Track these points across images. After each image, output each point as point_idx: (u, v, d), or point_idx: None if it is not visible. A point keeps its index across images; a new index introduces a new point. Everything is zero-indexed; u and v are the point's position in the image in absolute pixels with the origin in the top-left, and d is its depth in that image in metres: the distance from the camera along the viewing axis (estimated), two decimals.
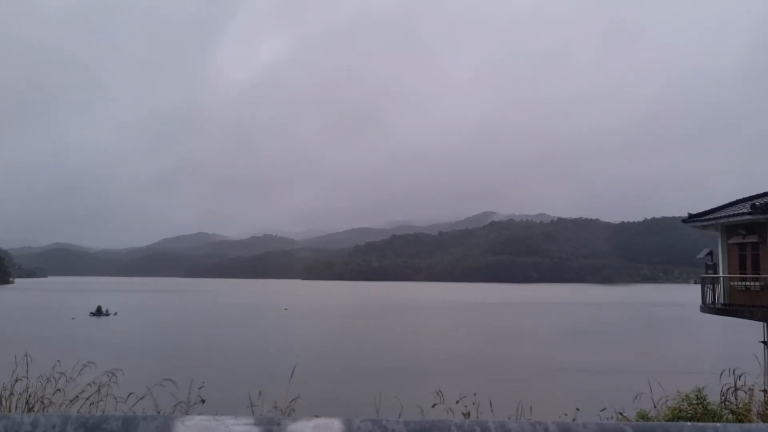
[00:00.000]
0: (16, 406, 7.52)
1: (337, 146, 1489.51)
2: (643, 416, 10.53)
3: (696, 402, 10.79)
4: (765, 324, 21.51)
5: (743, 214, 22.46)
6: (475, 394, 9.16)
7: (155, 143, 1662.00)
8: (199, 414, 3.01)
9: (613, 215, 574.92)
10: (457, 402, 9.04)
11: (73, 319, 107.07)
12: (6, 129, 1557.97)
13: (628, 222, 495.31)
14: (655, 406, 10.32)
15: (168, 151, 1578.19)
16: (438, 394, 8.88)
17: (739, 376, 10.12)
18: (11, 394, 7.70)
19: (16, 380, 7.88)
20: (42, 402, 7.68)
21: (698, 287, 26.23)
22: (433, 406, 8.75)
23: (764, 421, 8.94)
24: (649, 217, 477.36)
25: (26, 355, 8.56)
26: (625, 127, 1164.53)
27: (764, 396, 10.16)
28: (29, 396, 7.72)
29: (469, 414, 8.69)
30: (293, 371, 9.58)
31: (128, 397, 8.26)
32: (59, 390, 7.93)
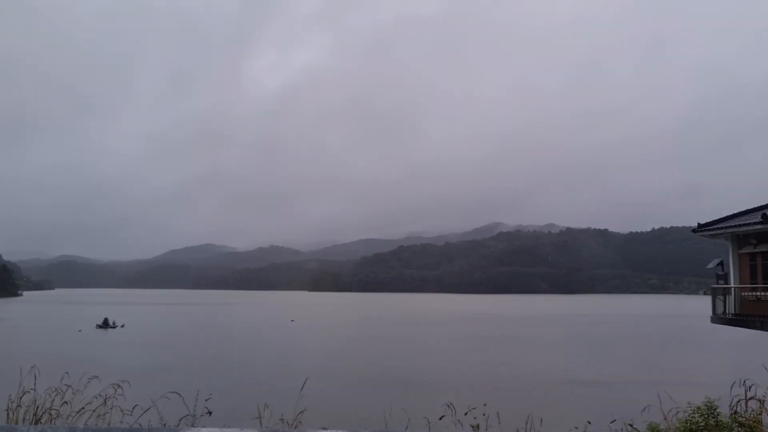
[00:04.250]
0: (24, 418, 7.54)
1: (362, 157, 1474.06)
2: (653, 429, 10.41)
3: (707, 414, 10.66)
4: None
5: (754, 223, 22.30)
6: (485, 405, 9.08)
7: (179, 153, 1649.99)
8: (205, 426, 2.99)
9: (622, 225, 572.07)
10: (466, 414, 8.95)
11: (79, 331, 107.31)
12: (34, 135, 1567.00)
13: (637, 232, 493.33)
14: (665, 419, 10.21)
15: (191, 161, 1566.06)
16: (448, 406, 8.79)
17: (750, 387, 10.01)
18: (18, 406, 7.72)
19: (24, 392, 7.90)
20: (49, 414, 7.70)
21: (709, 298, 26.00)
22: (440, 419, 8.67)
23: None
24: (657, 227, 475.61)
25: (33, 368, 8.59)
26: (650, 140, 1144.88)
27: None
28: (36, 408, 7.74)
29: (478, 426, 8.61)
30: (304, 384, 9.52)
31: (134, 408, 8.25)
32: (66, 402, 7.95)
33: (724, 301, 24.54)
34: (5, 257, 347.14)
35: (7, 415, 7.54)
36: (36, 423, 7.41)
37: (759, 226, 22.12)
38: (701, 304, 35.65)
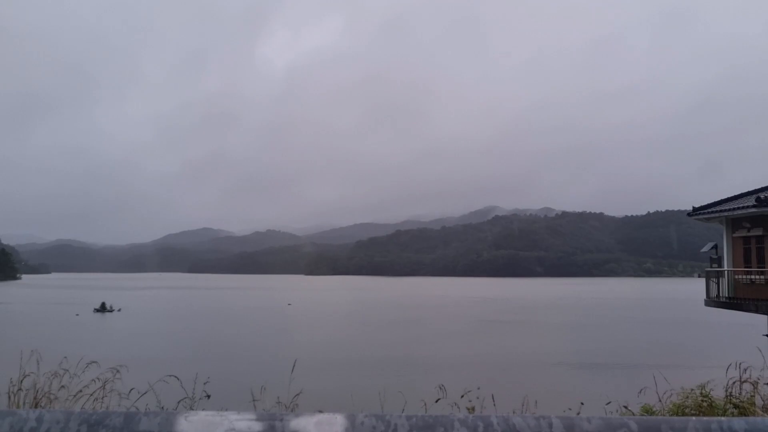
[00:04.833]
0: (24, 402, 7.56)
1: (368, 140, 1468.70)
2: (647, 410, 10.50)
3: (701, 397, 10.75)
4: None
5: (748, 207, 22.39)
6: (479, 388, 9.14)
7: (183, 137, 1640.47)
8: (203, 410, 3.00)
9: (617, 209, 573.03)
10: (462, 396, 9.00)
11: (77, 315, 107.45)
12: (41, 116, 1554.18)
13: (632, 216, 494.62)
14: (660, 400, 10.29)
15: (193, 146, 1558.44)
16: (441, 389, 8.84)
17: (744, 370, 10.09)
18: (19, 389, 7.74)
19: (24, 376, 7.92)
20: (48, 398, 7.72)
21: (702, 281, 26.16)
22: (436, 401, 8.72)
23: None
24: (653, 211, 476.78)
25: (33, 351, 8.60)
26: (656, 122, 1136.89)
27: None
28: (36, 392, 7.76)
29: (473, 409, 8.66)
30: (294, 365, 9.56)
31: (130, 392, 8.27)
32: (64, 386, 7.96)
33: (718, 285, 24.71)
34: (3, 240, 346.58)
35: (9, 398, 7.57)
36: (35, 407, 7.44)
37: (752, 210, 22.21)
38: (695, 288, 35.77)
